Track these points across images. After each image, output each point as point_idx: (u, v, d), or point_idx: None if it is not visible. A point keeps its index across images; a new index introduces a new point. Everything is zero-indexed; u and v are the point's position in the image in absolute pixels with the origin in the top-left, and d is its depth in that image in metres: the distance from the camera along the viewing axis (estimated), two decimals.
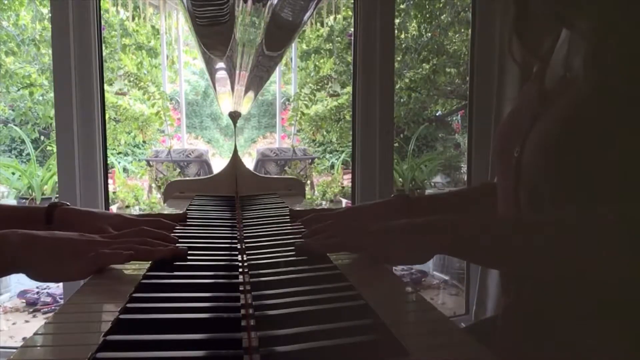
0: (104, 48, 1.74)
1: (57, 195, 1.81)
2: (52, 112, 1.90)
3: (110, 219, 0.80)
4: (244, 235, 0.78)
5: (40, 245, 0.59)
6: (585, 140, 0.54)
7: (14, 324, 2.52)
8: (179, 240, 0.73)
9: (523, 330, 0.63)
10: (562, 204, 0.56)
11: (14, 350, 0.40)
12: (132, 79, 4.88)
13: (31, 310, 2.65)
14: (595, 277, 0.53)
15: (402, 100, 4.77)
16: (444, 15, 4.74)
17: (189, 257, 0.66)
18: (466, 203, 0.86)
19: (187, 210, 1.00)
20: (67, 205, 0.81)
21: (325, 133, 5.24)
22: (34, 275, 0.58)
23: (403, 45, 4.66)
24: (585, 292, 0.55)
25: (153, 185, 4.76)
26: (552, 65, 0.66)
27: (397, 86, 4.64)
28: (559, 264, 0.54)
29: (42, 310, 2.64)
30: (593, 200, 0.53)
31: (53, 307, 2.64)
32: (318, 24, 5.07)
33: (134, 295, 0.50)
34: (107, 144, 1.61)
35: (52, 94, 2.62)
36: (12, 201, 4.09)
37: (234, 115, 1.35)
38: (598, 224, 0.52)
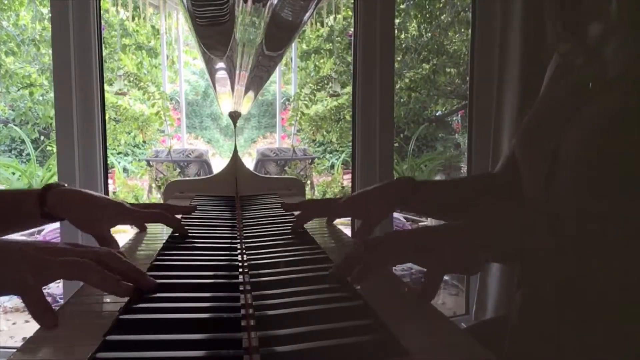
0: (104, 48, 1.74)
1: None
2: (52, 112, 1.90)
3: (110, 209, 0.75)
4: (244, 235, 0.78)
5: None
6: (634, 139, 0.53)
7: (14, 324, 2.52)
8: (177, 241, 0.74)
9: (540, 321, 0.62)
10: (602, 200, 0.55)
11: (14, 350, 0.40)
12: (132, 79, 4.88)
13: None
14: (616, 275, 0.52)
15: (402, 100, 4.77)
16: (444, 15, 4.74)
17: (189, 257, 0.66)
18: (473, 193, 0.85)
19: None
20: (64, 186, 0.74)
21: (325, 133, 5.24)
22: None
23: (403, 45, 4.66)
24: (604, 290, 0.54)
25: (153, 185, 4.76)
26: (592, 57, 0.64)
27: (397, 86, 4.64)
28: (580, 260, 0.53)
29: None
30: (636, 198, 0.52)
31: (53, 307, 2.63)
32: (318, 24, 5.07)
33: (134, 295, 0.50)
34: (107, 144, 1.61)
35: (52, 94, 2.63)
36: None
37: (234, 115, 1.35)
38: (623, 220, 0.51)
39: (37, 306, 0.47)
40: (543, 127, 0.67)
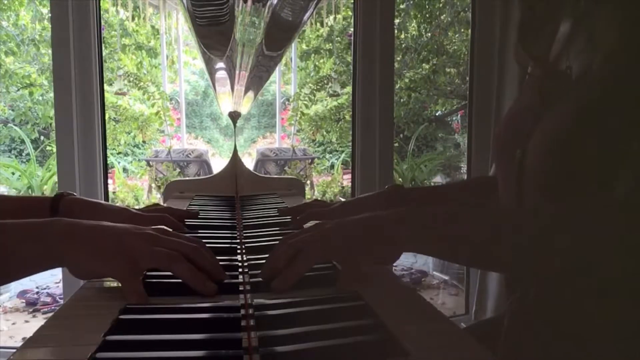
0: (104, 48, 1.74)
1: None
2: (52, 112, 1.91)
3: (117, 215, 0.77)
4: (244, 235, 0.78)
5: (80, 238, 0.53)
6: (592, 140, 0.53)
7: (14, 324, 2.52)
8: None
9: (530, 327, 0.62)
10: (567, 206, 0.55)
11: (14, 350, 0.40)
12: (132, 79, 4.88)
13: (31, 310, 2.65)
14: (598, 272, 0.52)
15: (402, 100, 4.77)
16: (444, 15, 4.74)
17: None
18: (463, 196, 0.86)
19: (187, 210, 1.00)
20: (74, 195, 0.78)
21: (325, 133, 5.24)
22: (75, 272, 0.54)
23: (403, 45, 4.66)
24: (591, 289, 0.54)
25: (153, 185, 4.76)
26: (552, 62, 0.66)
27: (397, 86, 4.64)
28: (561, 259, 0.53)
29: (42, 310, 2.64)
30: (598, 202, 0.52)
31: (53, 307, 2.64)
32: (318, 24, 5.07)
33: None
34: (107, 144, 1.61)
35: (52, 94, 2.63)
36: None
37: (234, 115, 1.35)
38: (598, 217, 0.51)
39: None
40: (511, 134, 0.69)
